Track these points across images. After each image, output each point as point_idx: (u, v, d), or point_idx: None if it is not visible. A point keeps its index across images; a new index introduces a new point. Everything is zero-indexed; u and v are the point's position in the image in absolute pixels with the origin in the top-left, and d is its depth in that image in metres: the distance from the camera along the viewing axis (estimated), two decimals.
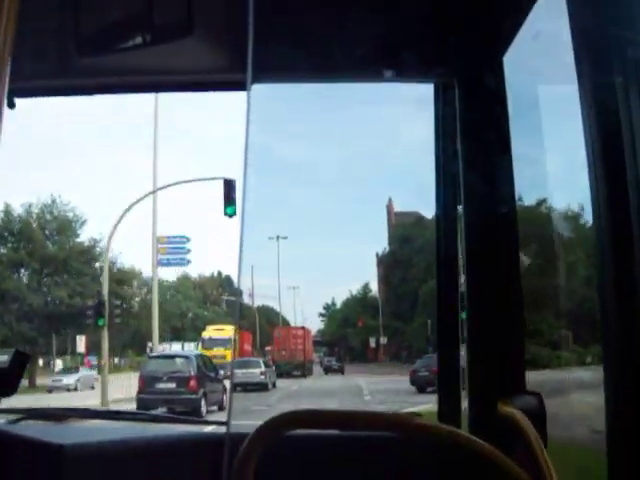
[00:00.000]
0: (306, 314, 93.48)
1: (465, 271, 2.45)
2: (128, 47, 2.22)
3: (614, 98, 1.58)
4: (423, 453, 2.36)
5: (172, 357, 24.54)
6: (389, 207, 60.37)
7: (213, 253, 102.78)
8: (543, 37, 2.31)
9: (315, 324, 72.30)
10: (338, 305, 69.87)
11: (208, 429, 3.08)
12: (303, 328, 48.58)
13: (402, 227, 53.29)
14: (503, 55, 2.39)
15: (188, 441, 2.64)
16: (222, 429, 2.86)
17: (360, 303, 66.33)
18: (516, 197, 2.43)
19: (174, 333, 59.51)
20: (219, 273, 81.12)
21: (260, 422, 1.33)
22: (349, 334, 64.13)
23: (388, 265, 56.36)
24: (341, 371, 50.01)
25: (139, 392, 21.49)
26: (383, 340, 57.23)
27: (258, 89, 2.31)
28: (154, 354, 27.21)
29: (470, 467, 1.45)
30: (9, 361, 2.42)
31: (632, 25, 1.59)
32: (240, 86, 2.44)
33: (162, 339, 50.44)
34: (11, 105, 2.33)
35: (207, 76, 2.59)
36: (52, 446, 2.35)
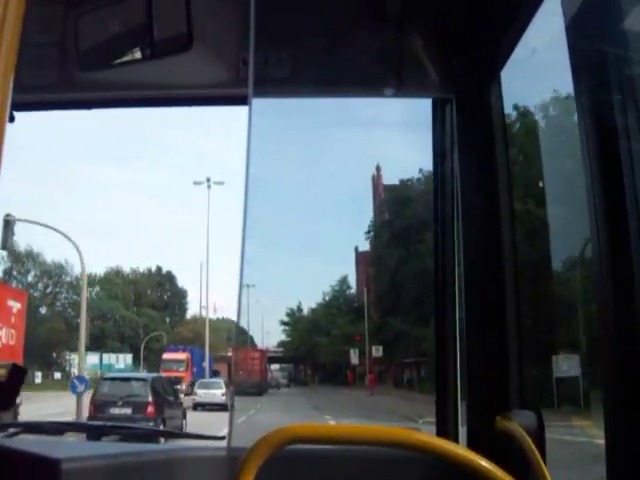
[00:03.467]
0: (265, 321, 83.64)
1: (463, 287, 2.45)
2: (128, 61, 2.23)
3: (611, 111, 1.59)
4: (421, 468, 2.35)
5: (128, 379, 22.27)
6: (376, 179, 54.65)
7: (152, 245, 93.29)
8: (540, 54, 2.32)
9: (275, 336, 65.71)
10: (305, 311, 60.98)
11: (206, 444, 3.07)
12: (260, 350, 52.28)
13: (397, 193, 43.88)
14: (500, 72, 2.40)
15: (185, 456, 2.62)
16: (221, 444, 2.85)
17: (335, 302, 57.18)
18: (514, 211, 2.43)
19: (92, 341, 51.62)
20: (158, 269, 70.30)
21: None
22: (320, 345, 54.68)
23: (380, 246, 47.61)
24: (289, 386, 51.21)
25: (89, 418, 19.18)
26: (376, 351, 46.09)
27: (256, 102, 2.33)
28: (109, 375, 24.50)
29: None
30: (6, 375, 2.41)
31: (628, 40, 1.60)
32: (240, 101, 2.45)
33: (71, 348, 45.39)
34: (11, 119, 2.33)
35: (206, 91, 2.60)
36: (49, 460, 2.34)
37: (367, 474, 2.45)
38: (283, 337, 62.39)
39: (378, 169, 54.62)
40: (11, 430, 2.80)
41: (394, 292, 40.31)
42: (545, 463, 1.84)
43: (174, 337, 59.61)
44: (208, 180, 49.87)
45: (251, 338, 62.79)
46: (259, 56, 2.28)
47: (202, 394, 30.70)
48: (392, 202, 44.95)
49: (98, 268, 67.35)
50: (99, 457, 2.51)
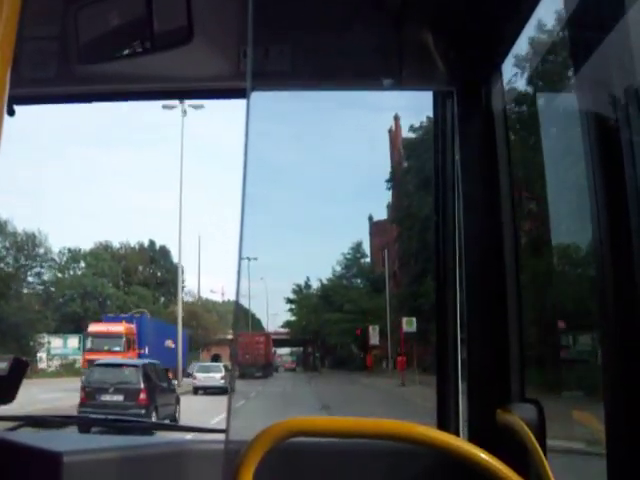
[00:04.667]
0: (271, 301, 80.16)
1: (464, 278, 2.45)
2: (128, 55, 2.22)
3: (612, 105, 1.59)
4: (422, 461, 2.36)
5: (119, 365, 21.53)
6: (394, 130, 49.02)
7: (144, 218, 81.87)
8: (541, 46, 2.32)
9: (282, 318, 58.39)
10: (314, 287, 53.43)
11: (205, 437, 3.07)
12: (265, 334, 50.27)
13: (422, 133, 36.55)
14: (502, 64, 2.40)
15: (186, 449, 2.63)
16: (216, 436, 2.86)
17: (348, 273, 50.87)
18: (514, 203, 2.43)
19: (73, 322, 46.77)
20: (151, 243, 63.26)
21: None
22: (330, 323, 47.57)
23: (405, 197, 41.05)
24: (294, 370, 48.55)
25: (80, 405, 18.75)
26: (408, 325, 35.11)
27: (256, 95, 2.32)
28: (99, 361, 22.82)
29: (469, 476, 1.44)
30: (8, 368, 2.42)
31: (629, 33, 1.59)
32: (239, 93, 2.44)
33: (45, 329, 41.99)
34: (11, 112, 2.33)
35: (206, 84, 2.59)
36: (51, 453, 2.35)
37: (368, 467, 2.45)
38: (289, 317, 55.69)
39: (397, 118, 50.21)
40: (12, 423, 2.81)
41: (425, 249, 31.78)
42: (546, 456, 1.84)
43: (167, 317, 53.70)
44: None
45: (258, 322, 60.23)
46: (259, 49, 2.27)
47: (202, 378, 30.77)
48: (418, 144, 37.82)
49: (86, 243, 62.89)
50: (100, 450, 2.52)
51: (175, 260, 61.54)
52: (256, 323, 59.72)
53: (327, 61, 2.44)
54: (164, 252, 64.19)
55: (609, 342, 1.65)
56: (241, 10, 1.90)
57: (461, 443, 1.32)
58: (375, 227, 52.70)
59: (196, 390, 29.84)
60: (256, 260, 41.29)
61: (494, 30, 2.24)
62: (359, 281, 52.03)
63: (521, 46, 2.27)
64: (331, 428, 1.37)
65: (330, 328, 48.22)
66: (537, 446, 1.85)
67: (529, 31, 2.18)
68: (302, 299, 53.62)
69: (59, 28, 2.25)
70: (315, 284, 53.70)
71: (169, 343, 38.70)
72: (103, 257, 56.96)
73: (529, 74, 2.41)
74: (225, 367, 33.24)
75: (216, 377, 30.00)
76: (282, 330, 55.59)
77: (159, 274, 63.97)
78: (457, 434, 2.48)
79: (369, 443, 2.25)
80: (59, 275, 54.42)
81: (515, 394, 2.27)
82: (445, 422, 2.58)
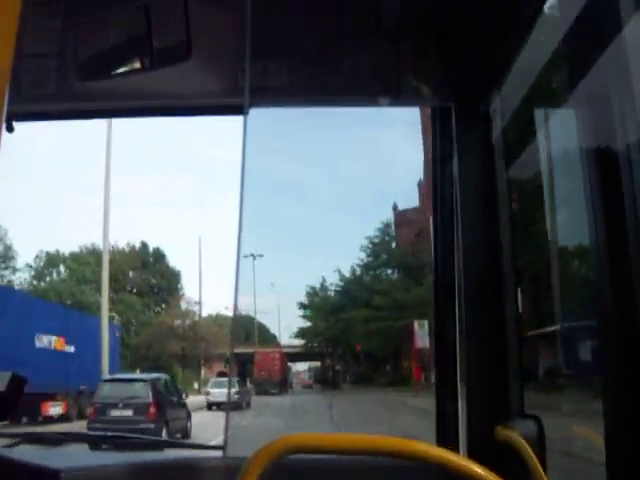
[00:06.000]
0: (283, 308, 73.52)
1: (463, 295, 2.45)
2: (127, 71, 2.23)
3: (611, 120, 1.59)
4: (421, 478, 2.34)
5: (128, 380, 21.38)
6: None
7: (136, 218, 77.89)
8: (540, 62, 2.32)
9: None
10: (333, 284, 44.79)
11: (205, 453, 3.06)
12: (280, 351, 47.82)
13: None
14: (500, 79, 2.41)
15: (185, 466, 2.62)
16: (219, 453, 2.84)
17: (376, 261, 41.84)
18: (513, 219, 2.43)
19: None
20: (143, 245, 57.00)
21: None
22: (355, 324, 37.97)
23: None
24: (311, 387, 45.54)
25: (90, 421, 19.01)
26: (419, 328, 28.04)
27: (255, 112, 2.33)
28: (108, 377, 22.76)
29: None
30: (6, 385, 2.41)
31: (629, 51, 1.60)
32: (238, 110, 2.45)
33: None
34: (10, 129, 2.34)
35: (205, 100, 2.60)
36: (49, 471, 2.33)
37: None
38: (302, 324, 47.88)
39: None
40: (11, 440, 2.80)
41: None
42: (546, 472, 1.83)
43: (155, 329, 49.48)
44: None
45: (273, 336, 57.32)
46: (258, 66, 2.28)
47: (215, 393, 30.50)
48: None
49: (70, 246, 57.07)
50: (98, 467, 2.51)
51: (171, 264, 57.54)
52: (270, 338, 56.66)
53: (325, 78, 2.45)
54: (158, 255, 57.79)
55: (609, 348, 1.64)
56: (240, 27, 1.91)
57: (460, 460, 1.32)
58: (400, 217, 46.14)
59: (210, 406, 29.74)
60: (262, 257, 39.27)
61: (492, 46, 2.26)
62: (389, 272, 43.14)
63: (520, 62, 2.28)
64: (329, 445, 1.36)
65: (355, 330, 38.90)
66: (537, 462, 1.85)
67: (528, 47, 2.18)
68: (318, 303, 45.27)
69: (58, 45, 2.26)
70: (333, 280, 45.24)
71: (50, 341, 24.29)
72: (87, 261, 50.90)
73: (528, 90, 2.42)
74: (238, 382, 33.11)
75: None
76: (296, 343, 50.11)
77: (153, 280, 57.36)
78: (457, 450, 2.47)
79: (368, 460, 2.24)
80: (35, 283, 49.77)
81: (514, 410, 2.26)
82: (444, 438, 2.57)
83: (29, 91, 2.26)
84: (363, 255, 44.08)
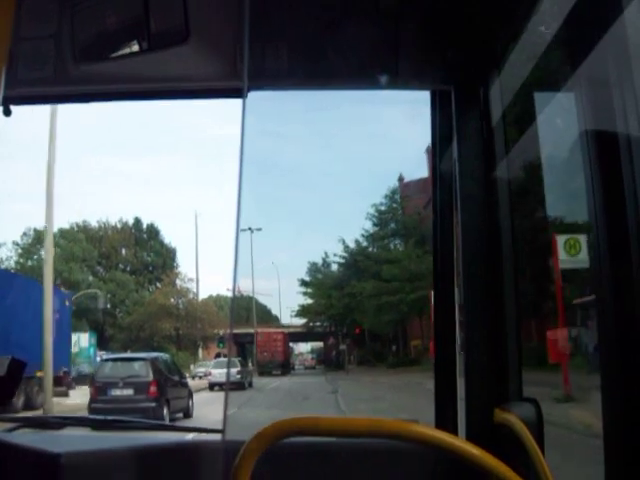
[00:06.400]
0: (281, 273, 70.51)
1: (462, 277, 2.45)
2: (124, 54, 2.22)
3: (610, 105, 1.59)
4: (420, 460, 2.36)
5: (128, 359, 21.53)
6: None
7: (131, 195, 75.14)
8: (540, 44, 2.31)
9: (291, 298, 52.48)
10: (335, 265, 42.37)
11: (204, 436, 3.07)
12: (282, 332, 47.08)
13: None
14: (500, 62, 2.40)
15: (185, 449, 2.63)
16: (219, 436, 2.85)
17: (384, 230, 38.45)
18: (512, 202, 2.43)
19: None
20: (136, 221, 53.97)
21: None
22: (362, 298, 34.70)
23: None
24: (314, 367, 45.32)
25: (91, 401, 19.05)
26: None
27: (254, 95, 2.32)
28: (108, 356, 23.11)
29: (467, 475, 1.44)
30: (5, 369, 2.41)
31: (628, 35, 1.59)
32: (236, 93, 2.44)
33: None
34: (7, 113, 2.33)
35: (203, 83, 2.59)
36: (49, 455, 2.34)
37: (366, 466, 2.45)
38: (303, 302, 45.13)
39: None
40: (11, 424, 2.81)
41: None
42: (544, 455, 1.84)
43: (147, 308, 47.08)
44: None
45: (275, 318, 56.03)
46: (256, 48, 2.27)
47: (217, 374, 30.73)
48: None
49: (59, 222, 51.92)
50: (98, 451, 2.52)
51: (166, 240, 54.10)
52: (272, 319, 55.58)
53: (323, 60, 2.43)
54: (152, 232, 54.99)
55: (607, 338, 1.65)
56: (238, 9, 1.90)
57: (459, 442, 1.32)
58: (406, 188, 43.39)
59: (212, 386, 30.11)
60: (260, 231, 36.68)
61: (492, 29, 2.24)
62: (397, 242, 39.85)
63: (519, 46, 2.27)
64: (328, 427, 1.36)
65: (362, 305, 35.42)
66: (535, 445, 1.86)
67: (528, 29, 2.17)
68: (321, 279, 42.68)
69: (55, 27, 2.24)
70: (337, 251, 42.05)
71: None
72: (77, 238, 48.82)
73: (527, 74, 2.41)
74: (240, 362, 33.12)
75: (232, 372, 29.68)
76: (298, 323, 48.41)
77: (147, 258, 54.17)
78: (455, 433, 2.48)
79: (367, 442, 2.25)
80: (21, 261, 47.54)
81: (513, 393, 2.27)
82: (443, 421, 2.59)
83: (26, 74, 2.24)
84: (369, 225, 41.25)
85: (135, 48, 2.21)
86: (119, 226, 54.20)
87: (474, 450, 1.29)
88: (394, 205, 39.86)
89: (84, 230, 50.30)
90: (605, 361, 1.66)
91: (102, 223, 52.09)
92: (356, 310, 36.42)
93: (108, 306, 46.88)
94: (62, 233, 47.89)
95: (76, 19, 2.19)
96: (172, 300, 48.96)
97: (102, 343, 43.84)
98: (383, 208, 40.83)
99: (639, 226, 1.50)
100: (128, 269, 53.27)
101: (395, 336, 37.85)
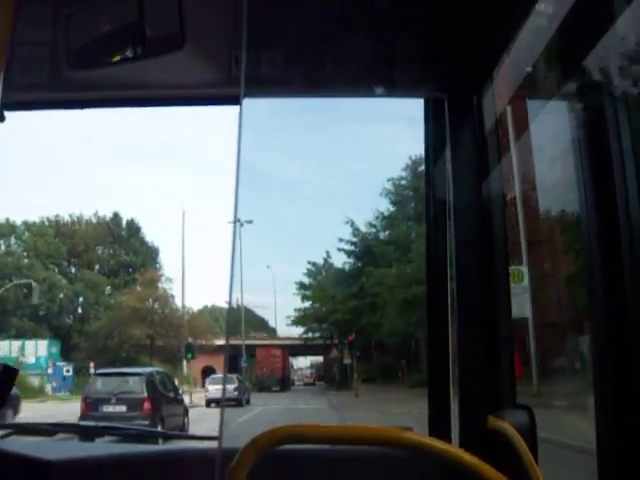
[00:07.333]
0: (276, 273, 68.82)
1: (455, 286, 2.45)
2: (119, 60, 2.22)
3: (602, 114, 1.60)
4: (413, 467, 2.35)
5: (122, 374, 20.57)
6: None
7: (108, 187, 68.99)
8: (533, 54, 2.33)
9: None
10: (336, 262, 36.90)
11: (199, 444, 3.06)
12: (281, 348, 45.69)
13: None
14: (493, 71, 2.41)
15: (177, 457, 2.62)
16: (213, 444, 2.85)
17: (402, 208, 31.78)
18: (505, 213, 2.44)
19: None
20: (115, 215, 48.30)
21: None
22: (373, 294, 28.10)
23: None
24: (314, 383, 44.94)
25: (82, 417, 17.69)
26: None
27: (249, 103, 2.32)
28: (100, 371, 22.02)
29: None
30: None
31: (621, 44, 1.60)
32: (232, 100, 2.44)
33: None
34: (1, 119, 2.32)
35: (199, 90, 2.59)
36: (40, 462, 2.33)
37: (359, 474, 2.45)
38: (301, 307, 39.71)
39: None
40: (2, 431, 2.79)
41: None
42: (537, 462, 1.84)
43: (116, 313, 41.81)
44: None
45: (273, 330, 54.00)
46: (251, 55, 2.27)
47: (213, 390, 29.38)
48: None
49: (25, 215, 48.80)
50: (90, 458, 2.51)
51: (147, 238, 48.52)
52: (269, 331, 54.13)
53: (319, 68, 2.44)
54: (132, 228, 49.75)
55: (600, 341, 1.65)
56: (233, 16, 1.90)
57: (453, 449, 1.32)
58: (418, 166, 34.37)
59: (208, 402, 28.57)
60: (251, 223, 32.63)
61: (486, 37, 2.25)
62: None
63: (513, 54, 2.28)
64: (320, 435, 1.36)
65: (380, 300, 28.19)
66: (528, 452, 1.86)
67: (521, 40, 2.19)
68: (322, 279, 36.85)
69: (50, 33, 2.24)
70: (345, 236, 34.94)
71: None
72: (44, 232, 43.93)
73: (521, 82, 2.42)
74: (238, 378, 32.01)
75: (229, 388, 28.15)
76: (295, 332, 44.53)
77: (125, 257, 48.88)
78: (448, 440, 2.48)
79: (360, 449, 2.25)
80: None
81: (506, 400, 2.27)
82: (436, 428, 2.58)
83: (21, 80, 2.24)
84: (384, 206, 34.69)
85: (130, 55, 2.21)
86: (94, 220, 48.55)
87: (468, 457, 1.29)
88: (416, 179, 31.53)
89: (55, 225, 45.47)
90: (598, 370, 1.67)
91: (75, 217, 46.53)
92: (365, 314, 30.09)
93: (79, 310, 42.30)
94: (28, 226, 44.08)
95: (71, 25, 2.19)
96: (147, 303, 43.74)
97: (67, 352, 39.83)
98: (404, 182, 34.64)
99: (632, 233, 1.51)
100: (106, 270, 48.01)
101: (405, 347, 31.09)
